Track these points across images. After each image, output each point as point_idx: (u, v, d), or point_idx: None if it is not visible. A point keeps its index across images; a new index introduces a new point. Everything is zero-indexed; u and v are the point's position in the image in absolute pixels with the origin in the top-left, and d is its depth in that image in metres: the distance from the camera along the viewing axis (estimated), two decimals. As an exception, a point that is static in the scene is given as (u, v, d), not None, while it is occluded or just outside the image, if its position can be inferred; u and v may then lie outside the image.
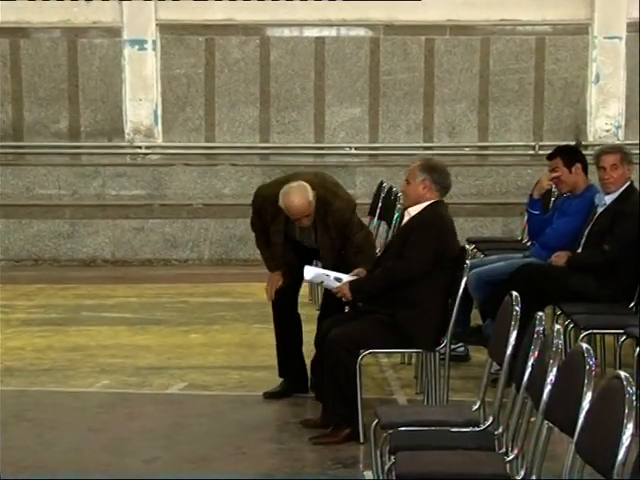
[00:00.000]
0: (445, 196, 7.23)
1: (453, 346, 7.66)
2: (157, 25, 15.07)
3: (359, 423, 6.78)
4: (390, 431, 5.19)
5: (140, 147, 15.41)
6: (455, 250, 7.14)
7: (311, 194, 7.58)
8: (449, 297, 7.16)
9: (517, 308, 5.08)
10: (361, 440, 6.76)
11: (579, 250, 8.01)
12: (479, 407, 5.41)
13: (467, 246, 7.81)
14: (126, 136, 15.30)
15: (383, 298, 7.12)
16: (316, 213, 7.77)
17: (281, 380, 8.18)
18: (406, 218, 7.29)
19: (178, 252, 14.09)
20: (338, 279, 7.21)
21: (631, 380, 3.69)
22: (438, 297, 7.02)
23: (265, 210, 8.37)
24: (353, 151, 14.63)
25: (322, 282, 7.45)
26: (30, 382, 9.14)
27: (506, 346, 5.09)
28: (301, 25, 15.01)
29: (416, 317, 6.94)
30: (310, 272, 7.49)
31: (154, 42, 15.19)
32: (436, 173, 7.19)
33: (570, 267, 7.94)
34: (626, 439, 3.56)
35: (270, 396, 8.11)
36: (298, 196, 7.63)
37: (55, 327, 11.05)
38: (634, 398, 3.60)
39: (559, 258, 7.90)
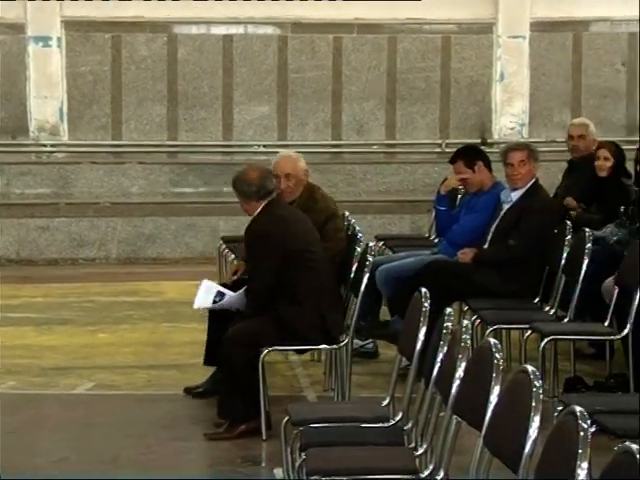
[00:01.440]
0: (270, 193, 7.14)
1: (362, 343, 7.90)
2: (62, 22, 14.85)
3: (261, 420, 6.79)
4: (301, 428, 5.20)
5: (45, 145, 15.19)
6: (312, 247, 7.13)
7: (301, 163, 8.03)
8: (342, 293, 7.28)
9: (426, 304, 5.11)
10: (263, 437, 6.74)
11: (485, 246, 8.09)
12: (388, 403, 5.44)
13: (372, 243, 7.88)
14: (31, 134, 15.04)
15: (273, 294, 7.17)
16: (300, 205, 7.91)
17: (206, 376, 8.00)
18: None
19: (85, 251, 13.96)
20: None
21: (537, 374, 3.76)
22: (322, 293, 7.01)
23: None
24: (262, 149, 14.61)
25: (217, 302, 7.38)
26: None
27: (415, 342, 5.10)
28: (209, 23, 14.99)
29: (299, 313, 6.99)
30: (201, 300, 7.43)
31: (59, 39, 14.96)
32: (239, 186, 7.30)
33: (476, 263, 8.03)
34: (533, 432, 3.63)
35: (190, 392, 7.94)
36: (286, 155, 8.31)
37: (-42, 328, 10.85)
38: (541, 391, 3.65)
39: (465, 255, 8.01)
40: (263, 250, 7.07)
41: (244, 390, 7.05)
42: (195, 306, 7.44)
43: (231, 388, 7.09)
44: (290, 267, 7.11)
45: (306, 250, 7.09)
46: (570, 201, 8.65)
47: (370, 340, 8.04)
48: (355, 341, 7.91)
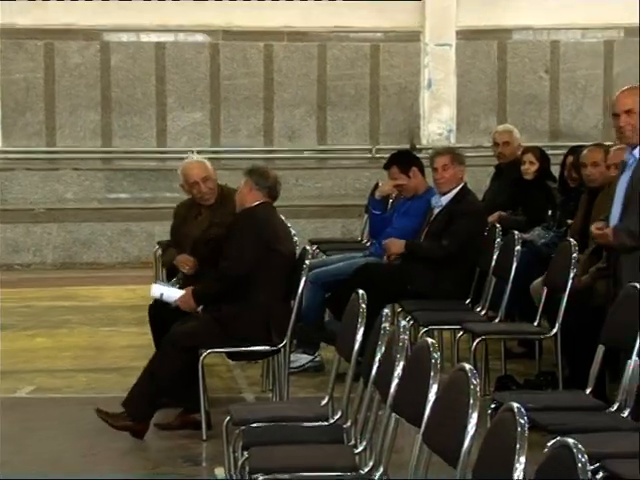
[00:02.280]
0: (275, 198, 7.32)
1: (308, 359, 7.98)
2: None
3: (202, 420, 6.81)
4: (242, 427, 5.22)
5: None
6: (287, 251, 7.21)
7: (209, 165, 7.91)
8: (287, 297, 7.20)
9: (363, 306, 5.15)
10: (204, 437, 6.77)
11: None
12: (328, 402, 5.48)
13: (308, 247, 7.83)
14: None
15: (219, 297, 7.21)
16: (217, 204, 7.91)
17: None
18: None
19: (21, 257, 13.83)
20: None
21: (475, 372, 3.81)
22: (265, 295, 7.03)
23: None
24: (195, 155, 14.06)
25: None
26: None
27: (353, 342, 5.14)
28: (141, 30, 14.90)
29: (240, 314, 7.01)
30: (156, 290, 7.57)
31: None
32: (256, 176, 7.38)
33: (409, 255, 8.06)
34: (471, 428, 3.66)
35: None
36: (195, 161, 8.02)
37: None
38: (478, 389, 3.71)
39: (393, 244, 7.98)
40: (251, 237, 7.10)
41: (151, 390, 7.02)
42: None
43: (147, 384, 7.03)
44: (259, 265, 7.11)
45: (279, 253, 7.12)
46: (494, 218, 8.68)
47: (317, 354, 8.08)
48: (303, 356, 8.03)
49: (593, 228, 5.92)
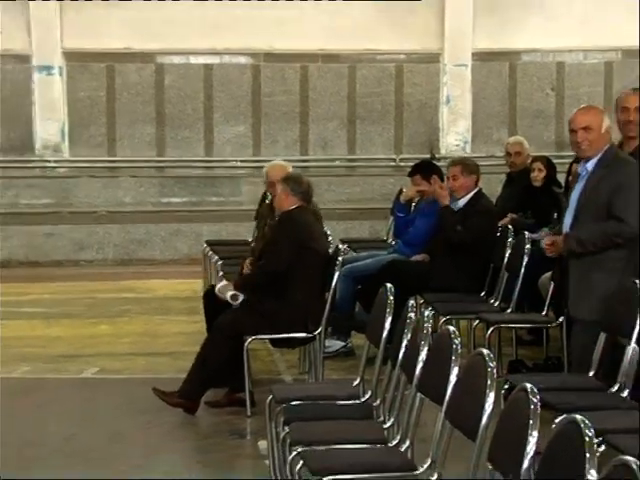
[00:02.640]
0: (309, 202, 7.41)
1: (342, 343, 8.01)
2: (63, 53, 14.86)
3: (246, 398, 6.82)
4: (283, 405, 5.23)
5: (49, 161, 15.29)
6: (321, 249, 7.26)
7: (289, 169, 8.22)
8: (322, 290, 7.23)
9: (391, 298, 5.16)
10: (248, 413, 6.83)
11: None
12: (359, 383, 5.49)
13: (340, 245, 7.96)
14: (36, 152, 15.02)
15: (259, 290, 7.25)
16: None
17: None
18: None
19: (85, 254, 14.07)
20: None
21: (492, 356, 3.85)
22: (302, 293, 7.08)
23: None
24: (239, 164, 14.75)
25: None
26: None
27: (382, 330, 5.17)
28: (191, 53, 14.96)
29: (280, 311, 7.05)
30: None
31: (60, 68, 15.12)
32: (292, 182, 7.46)
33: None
34: (488, 406, 3.71)
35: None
36: (278, 164, 8.45)
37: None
38: (495, 371, 3.75)
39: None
40: (288, 237, 7.16)
41: (204, 375, 7.07)
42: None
43: (199, 368, 7.07)
44: (296, 262, 7.17)
45: (314, 251, 7.18)
46: (506, 220, 8.71)
47: (348, 341, 8.12)
48: (336, 342, 8.07)
49: (544, 243, 6.00)
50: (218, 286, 7.72)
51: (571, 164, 8.23)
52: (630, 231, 5.63)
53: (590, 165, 6.34)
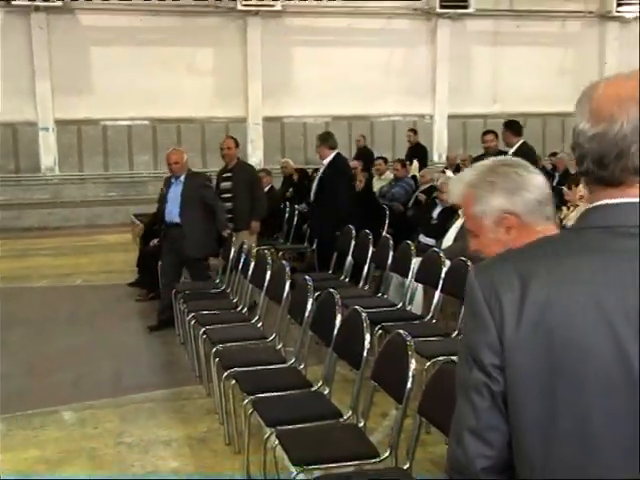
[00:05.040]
0: None
1: None
2: (54, 120, 18.70)
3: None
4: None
5: (48, 176, 18.89)
6: None
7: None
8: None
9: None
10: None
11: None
12: (261, 324, 6.71)
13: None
14: (41, 171, 18.73)
15: None
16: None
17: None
18: None
19: (75, 223, 16.99)
20: None
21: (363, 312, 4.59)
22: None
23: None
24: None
25: None
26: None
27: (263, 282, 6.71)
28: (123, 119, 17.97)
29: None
30: None
31: (53, 129, 18.75)
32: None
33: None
34: (367, 344, 4.45)
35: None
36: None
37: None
38: (368, 320, 4.48)
39: None
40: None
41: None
42: None
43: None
44: None
45: None
46: None
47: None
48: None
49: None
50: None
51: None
52: None
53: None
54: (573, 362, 1.68)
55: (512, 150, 9.60)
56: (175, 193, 9.06)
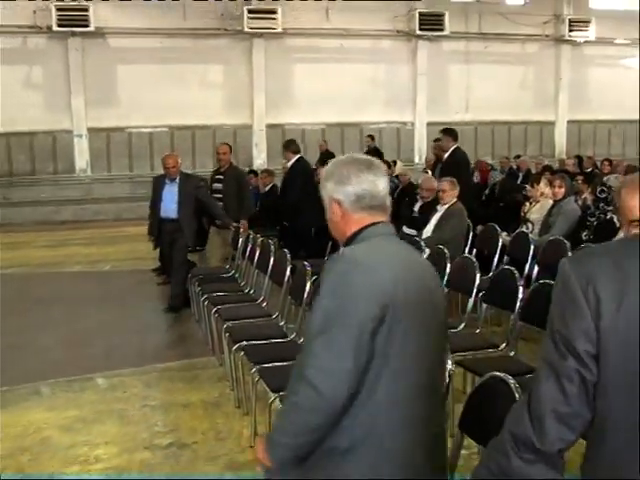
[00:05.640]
0: None
1: None
2: (87, 128, 18.62)
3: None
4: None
5: (81, 176, 18.86)
6: None
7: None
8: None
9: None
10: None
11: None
12: (266, 304, 6.69)
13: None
14: (76, 171, 18.68)
15: None
16: None
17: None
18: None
19: (102, 217, 16.76)
20: None
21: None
22: None
23: None
24: None
25: None
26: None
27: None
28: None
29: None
30: None
31: (86, 135, 18.62)
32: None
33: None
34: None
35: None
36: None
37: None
38: None
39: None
40: None
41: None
42: None
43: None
44: None
45: None
46: None
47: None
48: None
49: None
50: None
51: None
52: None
53: None
54: None
55: (447, 154, 9.56)
56: (172, 192, 8.93)
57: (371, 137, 17.93)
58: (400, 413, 2.50)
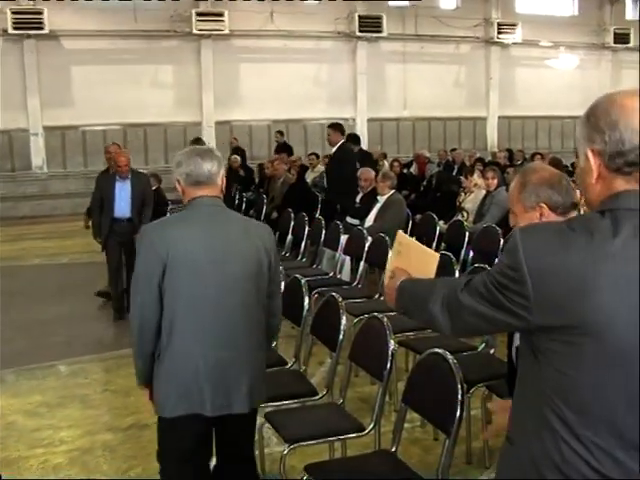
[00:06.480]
0: None
1: None
2: (42, 126, 17.97)
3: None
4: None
5: (37, 173, 18.14)
6: None
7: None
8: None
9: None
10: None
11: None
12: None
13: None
14: (32, 168, 18.05)
15: None
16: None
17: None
18: None
19: (59, 212, 16.59)
20: None
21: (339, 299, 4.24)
22: None
23: None
24: None
25: None
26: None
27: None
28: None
29: None
30: None
31: (42, 134, 18.07)
32: None
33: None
34: (343, 327, 4.09)
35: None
36: None
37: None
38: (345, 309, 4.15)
39: None
40: None
41: None
42: None
43: None
44: None
45: None
46: None
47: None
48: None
49: None
50: None
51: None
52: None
53: None
54: (598, 324, 1.63)
55: (335, 148, 9.56)
56: (125, 191, 8.25)
57: (280, 133, 17.34)
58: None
